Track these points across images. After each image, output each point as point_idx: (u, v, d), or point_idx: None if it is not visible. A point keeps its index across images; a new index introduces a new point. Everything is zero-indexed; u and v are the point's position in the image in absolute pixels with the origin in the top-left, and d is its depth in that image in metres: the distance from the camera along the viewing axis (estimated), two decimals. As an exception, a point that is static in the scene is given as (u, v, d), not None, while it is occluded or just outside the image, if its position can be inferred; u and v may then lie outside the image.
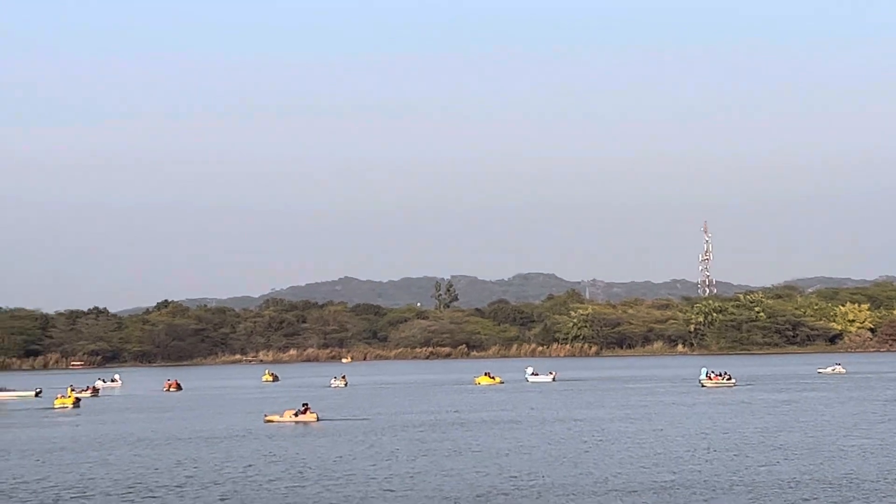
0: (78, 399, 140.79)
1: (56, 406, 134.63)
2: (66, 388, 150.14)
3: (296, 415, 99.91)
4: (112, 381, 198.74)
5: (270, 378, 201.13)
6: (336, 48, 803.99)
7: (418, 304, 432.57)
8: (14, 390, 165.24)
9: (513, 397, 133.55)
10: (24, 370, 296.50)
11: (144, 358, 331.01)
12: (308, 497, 52.85)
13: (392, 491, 54.08)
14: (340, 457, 69.77)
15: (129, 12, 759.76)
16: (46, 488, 57.93)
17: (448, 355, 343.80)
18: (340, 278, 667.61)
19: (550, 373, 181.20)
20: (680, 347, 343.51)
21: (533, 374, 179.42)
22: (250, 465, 65.88)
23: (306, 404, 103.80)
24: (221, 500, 52.72)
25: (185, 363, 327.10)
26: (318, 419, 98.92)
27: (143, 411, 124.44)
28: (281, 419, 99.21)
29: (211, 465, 66.95)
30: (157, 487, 57.11)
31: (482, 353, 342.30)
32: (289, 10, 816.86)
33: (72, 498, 54.23)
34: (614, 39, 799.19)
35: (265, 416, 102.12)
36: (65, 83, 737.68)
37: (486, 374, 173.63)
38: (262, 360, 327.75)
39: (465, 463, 64.96)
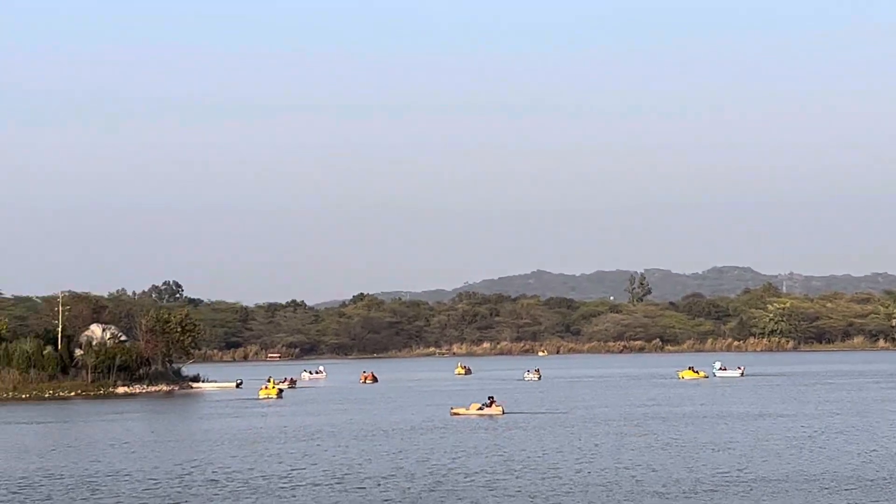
0: (281, 390, 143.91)
1: (260, 397, 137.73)
2: (267, 380, 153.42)
3: (481, 408, 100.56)
4: (317, 372, 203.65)
5: (463, 371, 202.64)
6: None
7: (611, 298, 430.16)
8: (216, 381, 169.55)
9: (712, 391, 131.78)
10: (224, 361, 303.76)
11: (340, 350, 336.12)
12: (514, 489, 52.76)
13: (599, 485, 53.67)
14: (543, 450, 69.59)
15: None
16: (256, 477, 59.03)
17: (641, 349, 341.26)
18: (533, 272, 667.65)
19: (739, 367, 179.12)
20: (881, 343, 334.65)
21: (721, 368, 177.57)
22: (454, 458, 66.13)
23: (492, 397, 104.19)
24: (430, 491, 52.96)
25: (380, 356, 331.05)
26: (503, 412, 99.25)
27: (342, 402, 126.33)
28: (467, 412, 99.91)
29: (414, 456, 67.42)
30: (365, 479, 57.68)
31: (676, 348, 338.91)
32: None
33: (281, 488, 55.11)
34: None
35: (451, 409, 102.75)
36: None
37: (689, 369, 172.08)
38: (455, 353, 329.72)
39: (669, 457, 64.18)
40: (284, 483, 56.67)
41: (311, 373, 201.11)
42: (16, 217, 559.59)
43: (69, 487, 56.35)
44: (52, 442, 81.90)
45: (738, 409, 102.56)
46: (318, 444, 76.23)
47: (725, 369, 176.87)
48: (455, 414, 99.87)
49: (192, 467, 63.86)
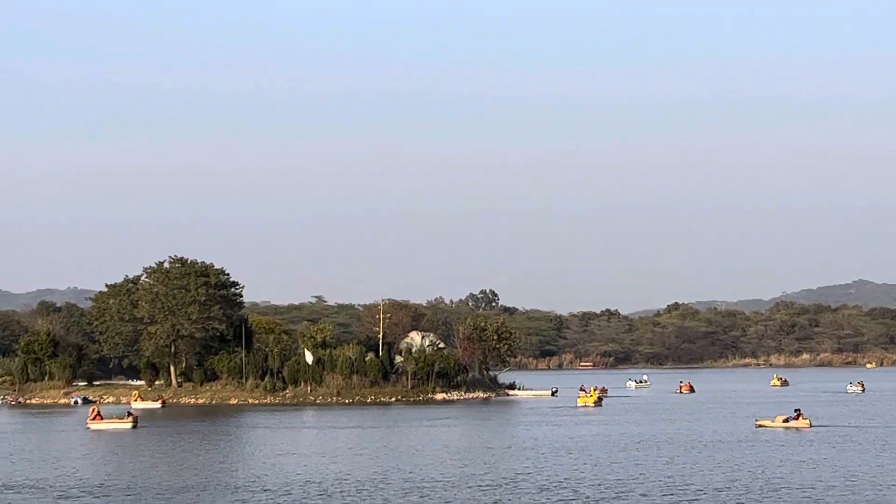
0: (599, 398, 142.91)
1: (578, 404, 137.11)
2: (580, 388, 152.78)
3: (786, 420, 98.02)
4: (641, 381, 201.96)
5: (779, 382, 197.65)
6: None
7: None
8: (532, 389, 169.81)
9: None
10: (539, 370, 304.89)
11: (655, 360, 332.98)
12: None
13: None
14: (880, 466, 66.11)
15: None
16: (584, 486, 57.99)
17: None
18: (854, 281, 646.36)
19: None
20: None
21: None
22: (791, 471, 63.54)
23: (798, 410, 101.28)
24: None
25: (695, 365, 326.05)
26: (810, 425, 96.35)
27: (657, 412, 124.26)
28: (772, 424, 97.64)
29: (746, 468, 65.16)
30: (695, 491, 55.89)
31: None
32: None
33: (613, 498, 53.93)
34: None
35: (756, 420, 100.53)
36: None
37: None
38: (772, 364, 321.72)
39: None
40: (616, 492, 55.34)
41: (637, 381, 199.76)
42: (340, 225, 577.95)
43: (405, 491, 56.52)
44: (380, 446, 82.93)
45: None
46: (641, 453, 74.72)
47: None
48: (760, 426, 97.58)
49: (521, 475, 63.26)
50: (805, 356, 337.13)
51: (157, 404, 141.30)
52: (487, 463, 69.85)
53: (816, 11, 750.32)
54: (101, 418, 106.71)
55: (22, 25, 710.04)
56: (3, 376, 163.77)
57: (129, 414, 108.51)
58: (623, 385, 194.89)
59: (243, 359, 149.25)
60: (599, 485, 58.47)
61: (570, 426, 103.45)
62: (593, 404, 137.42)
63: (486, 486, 58.36)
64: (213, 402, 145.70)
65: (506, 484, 58.95)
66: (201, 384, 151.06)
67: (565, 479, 61.21)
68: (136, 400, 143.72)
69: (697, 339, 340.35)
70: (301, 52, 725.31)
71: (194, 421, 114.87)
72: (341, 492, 56.71)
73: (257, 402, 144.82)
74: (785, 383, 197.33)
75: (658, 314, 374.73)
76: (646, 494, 54.64)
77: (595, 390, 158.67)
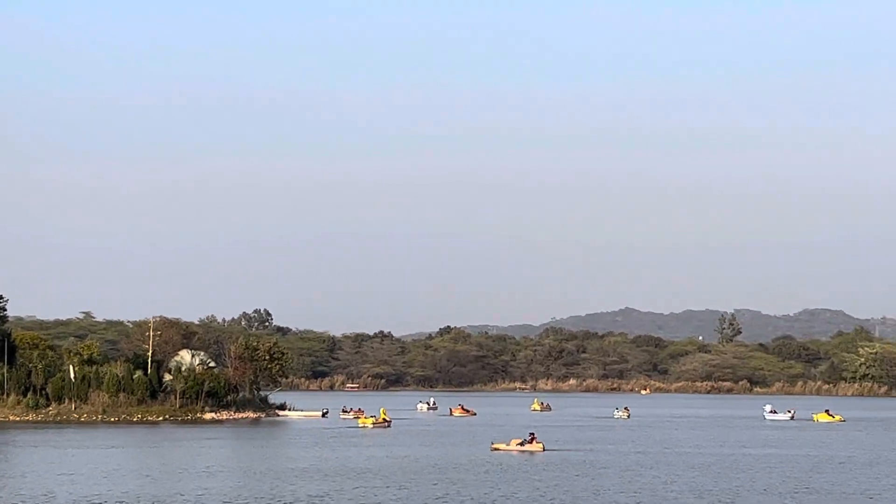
0: (386, 420, 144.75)
1: (359, 425, 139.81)
2: (352, 410, 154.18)
3: (521, 444, 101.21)
4: (430, 405, 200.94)
5: (539, 407, 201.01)
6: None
7: (700, 338, 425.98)
8: (302, 410, 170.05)
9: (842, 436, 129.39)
10: (311, 390, 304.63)
11: (426, 382, 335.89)
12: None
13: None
14: (596, 486, 68.76)
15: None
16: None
17: (730, 390, 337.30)
18: (621, 309, 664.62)
19: (789, 411, 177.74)
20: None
21: (772, 411, 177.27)
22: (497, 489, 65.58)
23: (533, 434, 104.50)
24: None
25: (465, 389, 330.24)
26: (543, 448, 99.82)
27: (415, 435, 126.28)
28: (507, 448, 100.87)
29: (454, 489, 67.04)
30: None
31: (765, 390, 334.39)
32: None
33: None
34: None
35: (492, 444, 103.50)
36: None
37: (825, 412, 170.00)
38: (539, 389, 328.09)
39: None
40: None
41: (428, 405, 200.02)
42: (108, 243, 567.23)
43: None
44: (140, 467, 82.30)
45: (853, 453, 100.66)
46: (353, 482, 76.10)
47: (776, 412, 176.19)
48: (496, 449, 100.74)
49: (272, 496, 63.84)
50: (572, 381, 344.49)
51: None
52: (242, 485, 70.16)
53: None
54: None
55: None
56: None
57: None
58: (414, 407, 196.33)
59: (5, 374, 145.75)
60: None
61: (326, 448, 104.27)
62: (370, 426, 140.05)
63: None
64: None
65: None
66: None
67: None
68: None
69: (468, 362, 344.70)
70: None
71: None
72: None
73: (18, 419, 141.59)
74: (547, 408, 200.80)
75: (430, 337, 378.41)
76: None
77: (350, 412, 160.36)
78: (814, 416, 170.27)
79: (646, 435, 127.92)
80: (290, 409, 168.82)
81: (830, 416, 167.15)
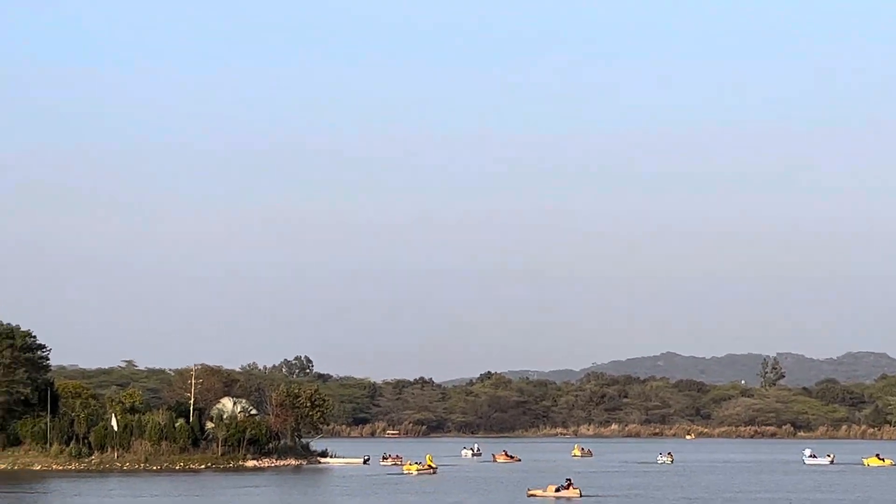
0: (432, 468, 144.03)
1: (404, 472, 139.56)
2: (391, 457, 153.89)
3: (557, 490, 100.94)
4: (475, 451, 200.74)
5: (580, 453, 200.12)
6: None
7: (742, 382, 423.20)
8: (343, 457, 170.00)
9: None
10: (352, 437, 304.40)
11: (467, 428, 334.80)
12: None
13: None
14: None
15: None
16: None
17: (773, 435, 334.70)
18: (662, 353, 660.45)
19: (828, 455, 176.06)
20: None
21: (811, 456, 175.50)
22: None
23: (569, 479, 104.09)
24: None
25: (506, 435, 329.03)
26: (581, 494, 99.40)
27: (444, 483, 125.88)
28: (544, 494, 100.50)
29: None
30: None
31: (809, 434, 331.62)
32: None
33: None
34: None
35: (528, 490, 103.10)
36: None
37: (876, 456, 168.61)
38: (580, 434, 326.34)
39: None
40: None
41: (472, 451, 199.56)
42: (150, 289, 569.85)
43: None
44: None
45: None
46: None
47: (815, 457, 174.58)
48: (532, 495, 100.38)
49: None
50: (614, 426, 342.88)
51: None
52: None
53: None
54: None
55: None
56: None
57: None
58: (457, 454, 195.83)
59: (48, 423, 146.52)
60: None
61: (371, 496, 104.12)
62: (416, 472, 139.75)
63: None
64: (15, 468, 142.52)
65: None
66: (3, 449, 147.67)
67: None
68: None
69: (509, 408, 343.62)
70: None
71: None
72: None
73: (62, 468, 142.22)
74: (588, 454, 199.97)
75: (471, 383, 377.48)
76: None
77: (388, 459, 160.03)
78: (864, 460, 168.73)
79: (685, 480, 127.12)
80: (331, 456, 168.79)
81: (881, 459, 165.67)
